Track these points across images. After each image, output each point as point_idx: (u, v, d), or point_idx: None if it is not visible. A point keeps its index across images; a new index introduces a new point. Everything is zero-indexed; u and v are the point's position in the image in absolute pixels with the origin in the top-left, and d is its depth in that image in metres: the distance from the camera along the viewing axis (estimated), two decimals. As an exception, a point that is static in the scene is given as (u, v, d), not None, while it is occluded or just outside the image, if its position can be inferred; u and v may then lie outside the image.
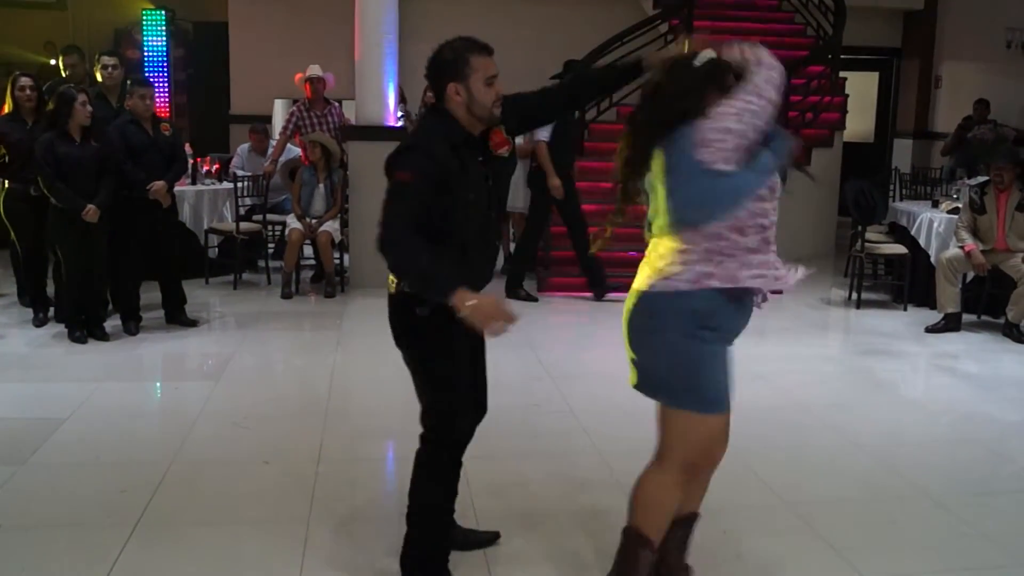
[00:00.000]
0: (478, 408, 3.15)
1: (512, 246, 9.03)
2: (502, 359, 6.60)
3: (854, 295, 7.75)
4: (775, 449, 4.47)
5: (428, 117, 2.89)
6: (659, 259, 2.72)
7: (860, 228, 7.67)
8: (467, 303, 2.66)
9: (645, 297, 2.72)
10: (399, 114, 8.40)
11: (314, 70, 8.25)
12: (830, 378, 5.86)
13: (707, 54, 2.70)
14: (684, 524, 2.96)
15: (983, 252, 6.70)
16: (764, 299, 2.76)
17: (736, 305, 2.70)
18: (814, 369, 6.01)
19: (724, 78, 2.65)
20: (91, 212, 5.85)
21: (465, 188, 2.84)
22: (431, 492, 3.04)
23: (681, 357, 2.69)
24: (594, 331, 6.89)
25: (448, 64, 2.85)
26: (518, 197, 8.29)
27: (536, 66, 10.31)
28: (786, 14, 11.20)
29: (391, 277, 2.94)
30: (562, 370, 5.71)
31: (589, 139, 9.39)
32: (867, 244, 7.69)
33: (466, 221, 2.87)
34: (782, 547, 3.49)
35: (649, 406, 5.05)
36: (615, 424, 4.75)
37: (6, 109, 6.56)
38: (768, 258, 2.67)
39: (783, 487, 3.98)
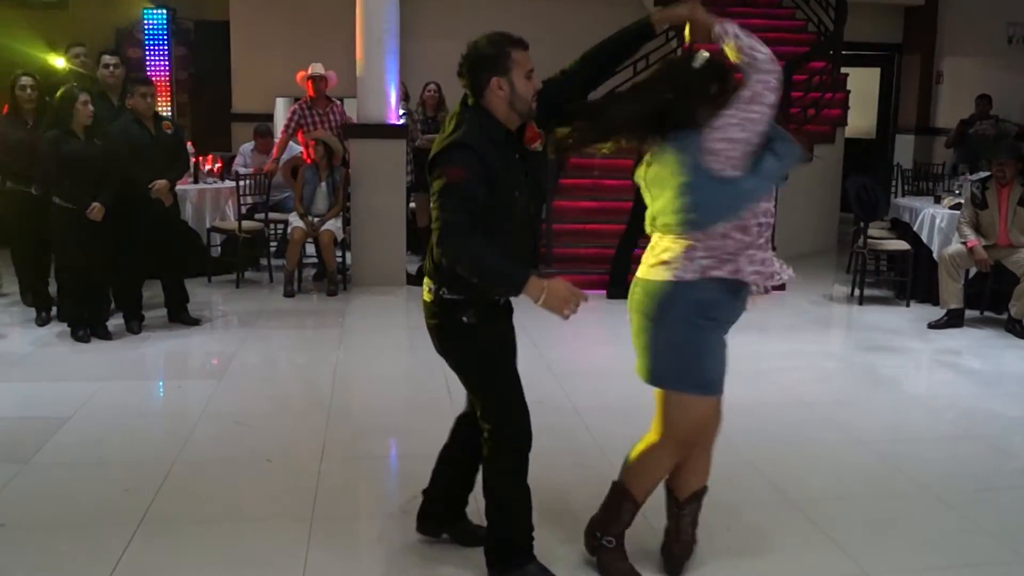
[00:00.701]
0: None
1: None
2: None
3: (856, 291, 7.75)
4: (777, 445, 4.47)
5: (469, 116, 2.86)
6: (664, 252, 2.85)
7: (862, 224, 7.66)
8: (542, 288, 2.72)
9: (651, 286, 2.86)
10: (400, 112, 8.40)
11: (316, 68, 8.25)
12: (832, 374, 5.86)
13: (703, 55, 2.79)
14: (696, 498, 3.18)
15: (985, 247, 6.70)
16: (766, 291, 2.87)
17: (734, 296, 2.86)
18: (816, 365, 6.01)
19: (724, 78, 2.76)
20: (96, 210, 5.85)
21: (511, 185, 2.84)
22: (505, 490, 3.07)
23: (683, 344, 2.87)
24: (597, 329, 6.89)
25: (489, 58, 2.84)
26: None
27: (536, 64, 10.33)
28: (787, 10, 11.19)
29: (427, 284, 2.94)
30: (565, 367, 5.72)
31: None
32: (869, 240, 7.68)
33: (512, 218, 2.87)
34: (784, 542, 3.49)
35: (650, 404, 5.04)
36: (618, 422, 4.74)
37: (6, 109, 6.57)
38: (766, 255, 2.83)
39: (786, 483, 3.98)
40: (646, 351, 2.93)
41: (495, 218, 2.82)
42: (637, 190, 3.03)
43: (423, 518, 3.38)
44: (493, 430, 3.00)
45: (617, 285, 7.43)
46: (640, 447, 3.11)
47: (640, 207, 3.13)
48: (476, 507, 3.43)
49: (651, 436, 3.08)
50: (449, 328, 2.94)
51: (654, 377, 2.96)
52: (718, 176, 2.69)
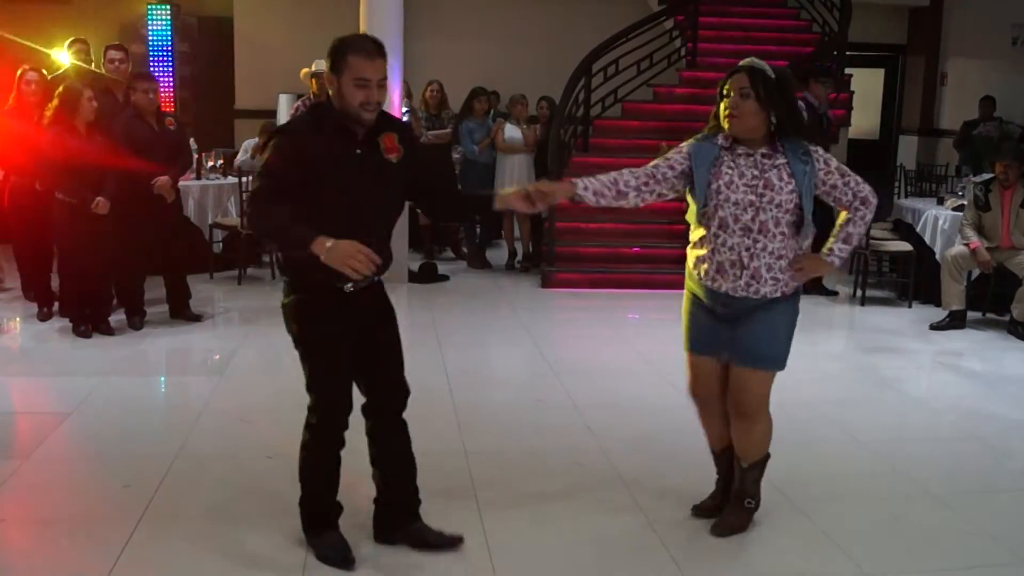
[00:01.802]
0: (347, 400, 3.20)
1: (518, 241, 9.04)
2: (506, 355, 6.58)
3: (859, 292, 7.75)
4: (778, 445, 4.42)
5: (311, 104, 3.17)
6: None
7: (864, 225, 7.65)
8: (326, 246, 2.82)
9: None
10: (403, 109, 8.40)
11: (319, 65, 8.24)
12: (834, 375, 5.86)
13: None
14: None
15: (988, 249, 6.70)
16: None
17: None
18: (818, 366, 5.99)
19: None
20: (101, 204, 5.85)
21: (335, 172, 2.98)
22: (305, 459, 3.24)
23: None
24: (598, 327, 6.89)
25: (331, 54, 3.00)
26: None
27: (539, 63, 10.35)
28: (791, 10, 11.16)
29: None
30: (565, 366, 5.72)
31: (593, 135, 9.38)
32: (872, 241, 7.68)
33: (336, 205, 2.98)
34: (785, 543, 3.49)
35: (655, 403, 5.06)
36: (619, 420, 4.75)
37: (8, 103, 6.58)
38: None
39: (786, 483, 3.97)
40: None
41: (321, 204, 2.97)
42: None
43: (376, 526, 3.39)
44: (310, 410, 3.19)
45: None
46: (752, 428, 3.45)
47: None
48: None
49: (747, 417, 3.43)
50: (284, 308, 3.19)
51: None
52: None
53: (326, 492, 3.27)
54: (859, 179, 3.29)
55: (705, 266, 3.31)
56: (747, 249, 3.22)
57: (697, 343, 3.45)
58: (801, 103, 7.85)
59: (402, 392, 3.27)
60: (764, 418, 3.46)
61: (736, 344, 3.34)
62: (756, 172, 3.22)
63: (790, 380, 5.54)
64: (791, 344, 3.43)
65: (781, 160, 3.22)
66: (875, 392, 5.53)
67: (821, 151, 3.29)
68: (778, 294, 3.30)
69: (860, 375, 5.88)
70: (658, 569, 3.26)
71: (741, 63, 3.24)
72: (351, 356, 3.15)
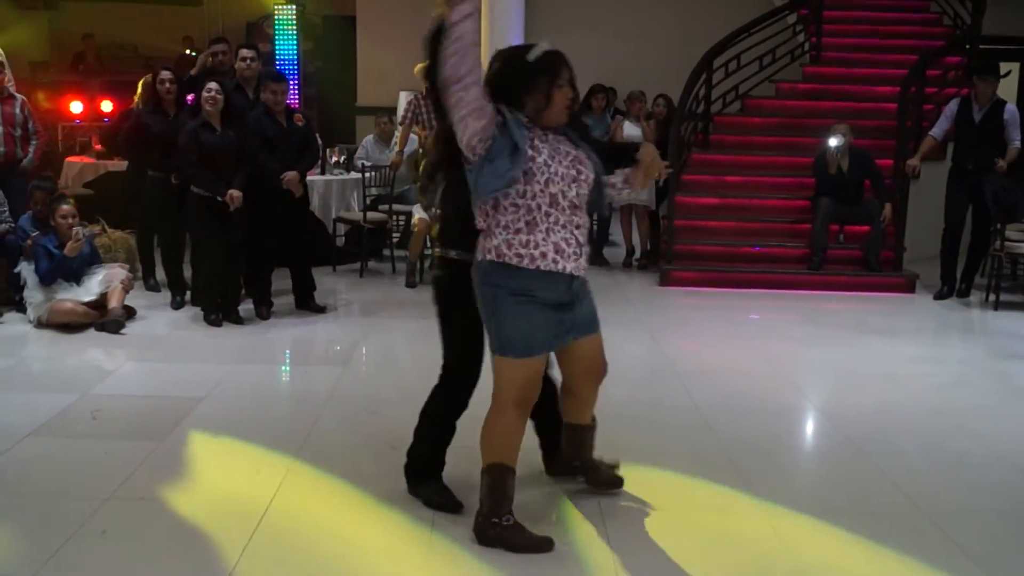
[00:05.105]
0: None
1: (635, 240, 8.98)
2: (624, 352, 6.49)
3: (992, 296, 7.42)
4: (908, 453, 4.32)
5: None
6: None
7: (1000, 226, 7.33)
8: None
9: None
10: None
11: (435, 62, 8.34)
12: (966, 382, 5.62)
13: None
14: (578, 431, 3.71)
15: None
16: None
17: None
18: (949, 372, 5.78)
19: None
20: (235, 197, 6.05)
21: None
22: (437, 415, 3.67)
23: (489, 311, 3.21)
24: (718, 326, 6.79)
25: None
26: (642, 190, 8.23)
27: (657, 60, 10.26)
28: (921, 2, 10.80)
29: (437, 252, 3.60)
30: (685, 364, 5.65)
31: (714, 131, 9.26)
32: (1007, 243, 7.34)
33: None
34: (916, 554, 3.37)
35: (775, 404, 4.95)
36: (741, 421, 4.67)
37: (136, 99, 6.92)
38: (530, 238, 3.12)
39: (916, 493, 3.84)
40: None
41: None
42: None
43: (545, 463, 3.95)
44: (447, 367, 3.62)
45: None
46: (485, 424, 3.34)
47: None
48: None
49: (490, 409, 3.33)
50: (436, 280, 3.58)
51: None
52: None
53: (441, 445, 3.71)
54: None
55: (539, 249, 3.10)
56: (577, 227, 3.19)
57: (541, 342, 3.22)
58: (952, 106, 7.63)
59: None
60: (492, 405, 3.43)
61: (579, 318, 3.35)
62: (569, 149, 3.20)
63: (919, 386, 5.39)
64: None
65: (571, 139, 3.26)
66: (1011, 401, 5.28)
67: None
68: None
69: (994, 383, 5.63)
70: (784, 570, 3.19)
71: (548, 49, 3.14)
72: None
